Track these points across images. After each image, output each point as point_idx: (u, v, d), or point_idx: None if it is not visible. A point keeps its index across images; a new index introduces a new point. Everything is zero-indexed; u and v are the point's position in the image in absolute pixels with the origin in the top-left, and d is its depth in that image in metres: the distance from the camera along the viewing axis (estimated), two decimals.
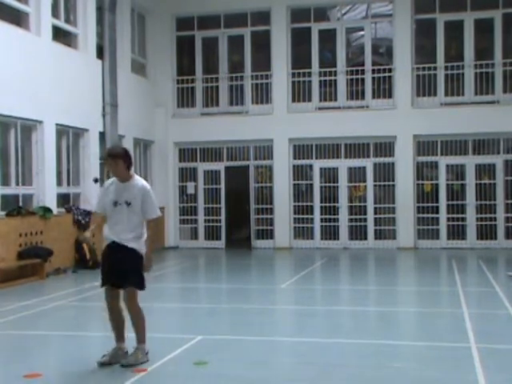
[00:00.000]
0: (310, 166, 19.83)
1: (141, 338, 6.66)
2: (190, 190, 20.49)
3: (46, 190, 14.32)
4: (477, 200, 18.88)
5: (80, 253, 14.77)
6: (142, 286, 6.67)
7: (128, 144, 18.30)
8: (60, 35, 15.66)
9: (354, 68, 19.65)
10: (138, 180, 6.71)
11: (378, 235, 19.35)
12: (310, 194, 19.78)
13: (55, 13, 15.23)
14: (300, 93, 19.85)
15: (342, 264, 16.83)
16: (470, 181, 18.93)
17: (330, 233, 19.58)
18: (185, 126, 20.11)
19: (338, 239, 19.49)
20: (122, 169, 6.56)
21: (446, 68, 19.16)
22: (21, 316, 9.47)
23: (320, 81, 19.80)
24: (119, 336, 6.71)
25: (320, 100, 19.79)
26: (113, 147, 6.85)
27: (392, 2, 19.48)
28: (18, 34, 13.79)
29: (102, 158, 16.65)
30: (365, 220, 19.37)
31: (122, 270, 6.54)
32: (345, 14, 20.20)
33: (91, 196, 15.56)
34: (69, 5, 16.05)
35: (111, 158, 6.58)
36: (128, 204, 6.54)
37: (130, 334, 6.76)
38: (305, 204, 19.80)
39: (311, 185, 19.78)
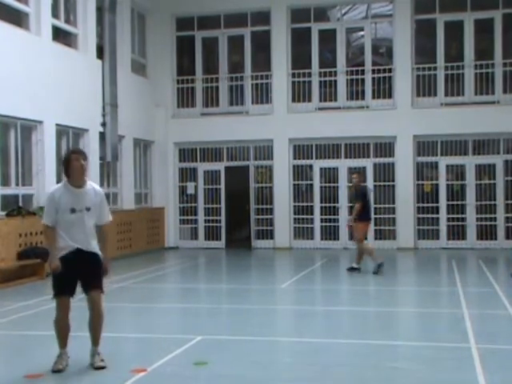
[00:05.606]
0: (310, 166, 19.83)
1: (99, 340, 6.70)
2: (190, 190, 20.49)
3: (46, 190, 14.30)
4: (477, 200, 18.88)
5: None
6: (103, 290, 6.73)
7: (128, 144, 18.34)
8: (60, 35, 15.68)
9: (354, 68, 19.65)
10: (92, 184, 6.71)
11: (378, 235, 19.34)
12: (310, 194, 19.78)
13: (55, 13, 15.24)
14: (300, 93, 19.84)
15: (341, 264, 16.81)
16: (470, 181, 18.93)
17: (330, 233, 19.59)
18: (185, 126, 20.10)
19: (338, 239, 19.50)
20: (86, 171, 6.50)
21: (446, 68, 19.16)
22: (21, 316, 9.48)
23: (320, 81, 19.80)
24: (66, 342, 6.69)
25: (320, 100, 19.79)
26: (77, 148, 6.62)
27: (392, 2, 19.48)
28: (18, 34, 13.80)
29: (102, 159, 16.66)
30: None
31: (91, 275, 6.56)
32: (345, 14, 20.20)
33: None
34: (69, 5, 16.06)
35: (84, 157, 6.46)
36: (88, 209, 6.49)
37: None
38: (305, 204, 19.80)
39: (311, 185, 19.78)
